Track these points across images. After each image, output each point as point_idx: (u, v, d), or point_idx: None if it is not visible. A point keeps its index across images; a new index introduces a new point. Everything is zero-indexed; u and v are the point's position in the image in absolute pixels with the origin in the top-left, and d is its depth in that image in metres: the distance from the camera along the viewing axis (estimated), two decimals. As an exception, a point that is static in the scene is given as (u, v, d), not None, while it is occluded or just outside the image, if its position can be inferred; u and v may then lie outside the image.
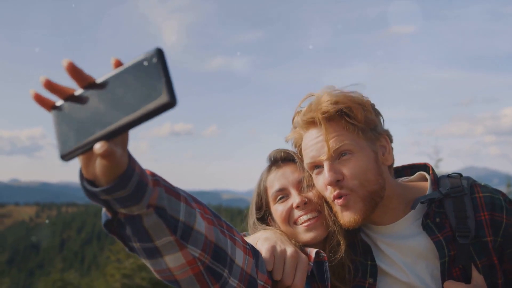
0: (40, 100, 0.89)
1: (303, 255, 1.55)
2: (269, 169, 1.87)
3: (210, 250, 1.17)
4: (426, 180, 1.81)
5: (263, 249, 1.49)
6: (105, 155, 0.85)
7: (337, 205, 1.64)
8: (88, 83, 0.87)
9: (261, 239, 1.59)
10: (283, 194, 1.78)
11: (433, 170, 1.81)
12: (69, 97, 0.89)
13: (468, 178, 1.75)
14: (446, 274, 1.63)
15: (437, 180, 1.77)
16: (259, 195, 1.87)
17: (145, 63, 0.83)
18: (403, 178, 1.92)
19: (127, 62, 0.85)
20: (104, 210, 1.04)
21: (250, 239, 1.64)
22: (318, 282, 1.61)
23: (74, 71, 0.86)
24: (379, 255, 1.75)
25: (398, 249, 1.71)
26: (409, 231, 1.70)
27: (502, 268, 1.68)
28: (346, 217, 1.62)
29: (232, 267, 1.23)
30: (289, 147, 1.85)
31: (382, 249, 1.74)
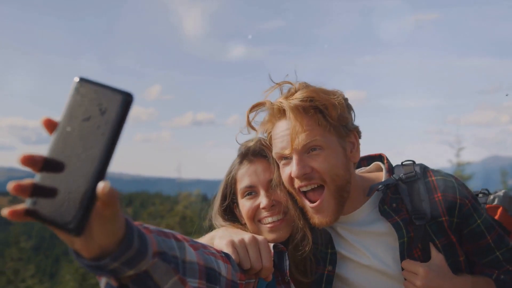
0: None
1: (261, 237, 1.56)
2: (240, 161, 1.87)
3: (204, 275, 1.19)
4: (382, 170, 1.88)
5: (222, 246, 1.50)
6: (111, 194, 0.77)
7: (308, 207, 1.69)
8: (43, 161, 0.80)
9: (217, 238, 1.60)
10: (251, 190, 1.80)
11: (387, 159, 1.89)
12: (35, 187, 0.79)
13: (420, 165, 1.82)
14: (405, 254, 1.71)
15: (391, 169, 1.85)
16: (227, 185, 1.89)
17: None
18: (360, 169, 2.00)
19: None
20: (105, 282, 1.00)
21: (204, 240, 1.66)
22: (278, 270, 1.67)
23: (27, 161, 0.79)
24: (340, 242, 1.82)
25: (359, 235, 1.78)
26: (369, 218, 1.78)
27: (463, 249, 1.77)
28: (317, 220, 1.68)
29: (220, 281, 1.26)
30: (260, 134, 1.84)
31: (343, 236, 1.81)
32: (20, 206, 0.80)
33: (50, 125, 0.82)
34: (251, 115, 1.80)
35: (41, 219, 0.78)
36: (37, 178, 0.80)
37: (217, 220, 1.89)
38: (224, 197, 1.90)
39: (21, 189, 0.79)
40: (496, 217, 1.91)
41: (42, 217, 0.78)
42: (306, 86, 1.69)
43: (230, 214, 1.92)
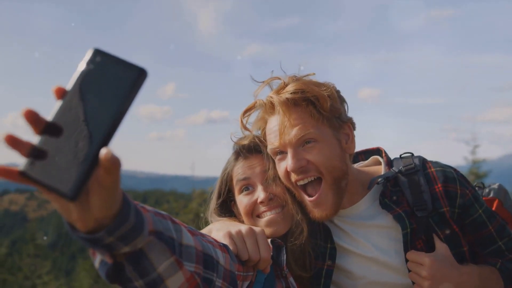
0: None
1: (258, 228, 1.56)
2: (236, 158, 1.86)
3: (201, 260, 1.17)
4: (380, 163, 1.89)
5: (220, 238, 1.49)
6: (113, 160, 0.75)
7: (307, 201, 1.68)
8: (45, 123, 0.78)
9: (214, 231, 1.59)
10: (247, 184, 1.79)
11: (385, 152, 1.90)
12: (34, 149, 0.77)
13: (419, 157, 1.82)
14: (408, 245, 1.70)
15: (390, 162, 1.85)
16: (223, 182, 1.88)
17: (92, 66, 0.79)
18: (358, 163, 1.99)
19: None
20: (99, 260, 0.99)
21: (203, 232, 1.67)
22: (277, 265, 1.65)
23: (31, 117, 0.77)
24: (341, 235, 1.81)
25: (360, 227, 1.77)
26: (369, 211, 1.77)
27: (466, 239, 1.76)
28: (317, 213, 1.68)
29: (218, 269, 1.24)
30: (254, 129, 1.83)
31: (344, 229, 1.80)
32: (15, 168, 0.77)
33: (60, 92, 0.80)
34: (245, 119, 1.81)
35: (36, 182, 0.76)
36: (37, 140, 0.78)
37: (213, 218, 1.88)
38: (219, 195, 1.90)
39: (17, 143, 0.76)
40: (493, 209, 1.90)
41: (37, 180, 0.76)
42: (296, 79, 1.69)
43: (228, 212, 1.91)
